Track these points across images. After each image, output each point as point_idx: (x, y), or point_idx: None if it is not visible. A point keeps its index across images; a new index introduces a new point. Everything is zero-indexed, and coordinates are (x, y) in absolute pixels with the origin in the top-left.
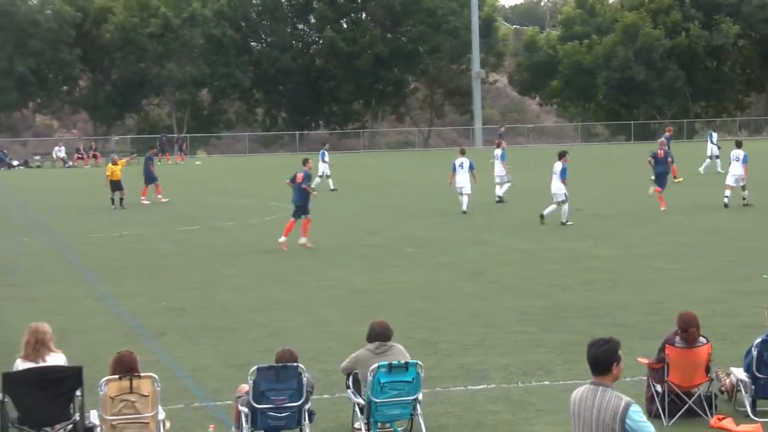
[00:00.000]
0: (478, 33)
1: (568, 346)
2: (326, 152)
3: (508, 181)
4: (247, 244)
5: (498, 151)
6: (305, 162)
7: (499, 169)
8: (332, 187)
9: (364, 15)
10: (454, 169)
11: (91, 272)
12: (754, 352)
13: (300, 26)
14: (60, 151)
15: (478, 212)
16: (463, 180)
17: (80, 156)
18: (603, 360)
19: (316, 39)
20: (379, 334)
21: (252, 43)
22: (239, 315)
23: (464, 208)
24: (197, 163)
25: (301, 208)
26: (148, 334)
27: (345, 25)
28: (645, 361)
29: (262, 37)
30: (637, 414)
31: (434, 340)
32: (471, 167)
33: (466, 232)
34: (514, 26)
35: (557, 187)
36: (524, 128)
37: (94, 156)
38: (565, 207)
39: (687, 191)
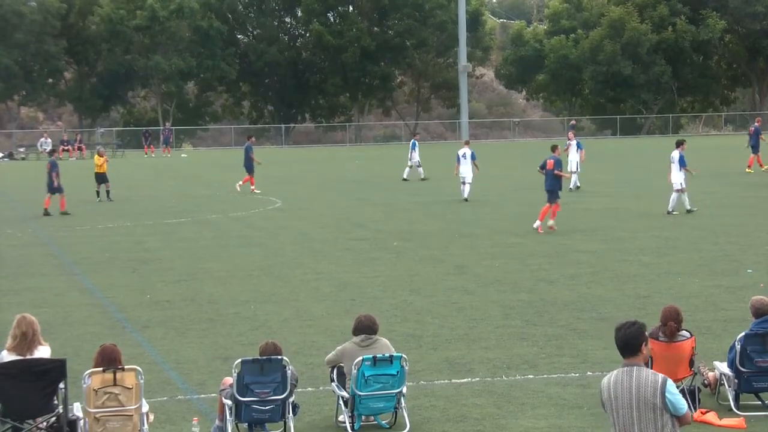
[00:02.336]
0: (465, 27)
1: (553, 340)
2: (417, 142)
3: (577, 172)
4: (232, 237)
5: (573, 142)
6: (554, 148)
7: (574, 157)
8: (422, 176)
9: (351, 8)
10: (458, 160)
11: (76, 265)
12: (738, 347)
13: (287, 19)
14: (46, 144)
15: (465, 205)
16: (465, 170)
17: (65, 148)
18: (633, 341)
19: (303, 32)
20: (366, 327)
21: (239, 36)
22: (224, 308)
23: (465, 195)
24: (183, 155)
25: (553, 194)
26: (133, 327)
27: (332, 19)
28: None
29: (249, 30)
30: (674, 387)
31: (419, 333)
32: (473, 157)
33: (453, 226)
34: (501, 20)
35: (677, 176)
36: (510, 122)
37: (79, 148)
38: (684, 195)
39: None
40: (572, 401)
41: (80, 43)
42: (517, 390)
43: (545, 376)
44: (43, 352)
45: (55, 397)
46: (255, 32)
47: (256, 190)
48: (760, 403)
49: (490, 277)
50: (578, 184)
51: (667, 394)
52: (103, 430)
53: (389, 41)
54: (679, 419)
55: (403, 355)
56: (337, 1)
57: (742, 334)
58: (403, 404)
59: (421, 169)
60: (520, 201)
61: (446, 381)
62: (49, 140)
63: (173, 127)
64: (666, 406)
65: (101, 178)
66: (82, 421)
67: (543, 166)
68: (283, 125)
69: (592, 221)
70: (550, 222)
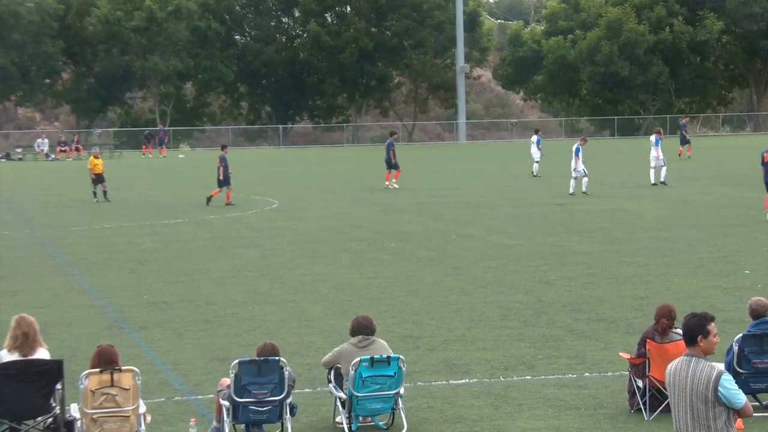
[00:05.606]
0: (462, 28)
1: (550, 341)
2: (540, 138)
3: (659, 166)
4: (230, 238)
5: (653, 138)
6: None
7: (654, 154)
8: (535, 173)
9: (348, 9)
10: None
11: (73, 265)
12: (735, 348)
13: (284, 19)
14: (43, 144)
15: (463, 206)
16: (573, 164)
17: (62, 149)
18: (689, 331)
19: (300, 32)
20: (364, 328)
21: (236, 37)
22: (222, 309)
23: (583, 189)
24: (180, 156)
25: None
26: (130, 328)
27: (329, 19)
28: (626, 356)
29: (246, 31)
30: (729, 382)
31: (416, 334)
32: (577, 153)
33: (450, 227)
34: (499, 21)
35: None
36: (508, 123)
37: (77, 149)
38: None
39: None
40: (570, 402)
41: (77, 44)
42: (514, 391)
43: (543, 377)
44: (42, 353)
45: (52, 398)
46: (252, 33)
47: (389, 186)
48: (757, 404)
49: (487, 278)
50: (659, 180)
51: (720, 389)
52: (101, 431)
53: (387, 42)
54: (738, 412)
55: (401, 356)
56: (335, 1)
57: (740, 335)
58: (400, 405)
59: (536, 166)
60: (518, 202)
61: (444, 382)
62: (46, 140)
63: (170, 128)
64: (719, 400)
65: (98, 178)
66: (79, 422)
67: (763, 162)
68: (280, 126)
69: (589, 222)
70: None
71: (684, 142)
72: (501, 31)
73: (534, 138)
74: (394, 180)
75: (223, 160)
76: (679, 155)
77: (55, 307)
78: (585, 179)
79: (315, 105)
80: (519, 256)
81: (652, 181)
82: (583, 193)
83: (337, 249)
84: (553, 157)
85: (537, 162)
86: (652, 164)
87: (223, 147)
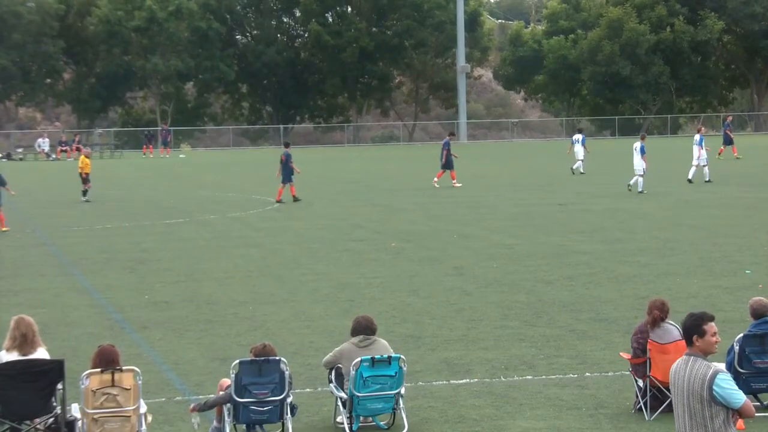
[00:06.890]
0: (463, 27)
1: (551, 341)
2: (585, 137)
3: (697, 165)
4: (231, 238)
5: (697, 137)
6: None
7: (698, 153)
8: (581, 171)
9: (349, 9)
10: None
11: (74, 265)
12: (736, 348)
13: (285, 19)
14: (44, 144)
15: (463, 206)
16: (637, 162)
17: (63, 149)
18: (685, 331)
19: (302, 32)
20: (365, 328)
21: (237, 37)
22: (223, 309)
23: (639, 189)
24: (181, 156)
25: None
26: (131, 328)
27: (330, 19)
28: (626, 356)
29: (247, 31)
30: (725, 381)
31: (417, 334)
32: (642, 151)
33: (451, 227)
34: (500, 21)
35: None
36: (509, 123)
37: (77, 149)
38: None
39: None
40: (570, 402)
41: (78, 44)
42: (515, 391)
43: (544, 377)
44: (41, 353)
45: (53, 398)
46: (253, 33)
47: (457, 184)
48: (758, 404)
49: (488, 278)
50: (704, 179)
51: (714, 387)
52: (101, 430)
53: (388, 41)
54: (738, 412)
55: (402, 356)
56: (336, 1)
57: (741, 335)
58: (401, 405)
59: (581, 164)
60: (518, 202)
61: (445, 382)
62: (47, 140)
63: (171, 128)
64: (714, 399)
65: (87, 178)
66: (80, 422)
67: None
68: (281, 126)
69: (590, 222)
70: None
71: (727, 141)
72: (502, 31)
73: (579, 137)
74: (437, 178)
75: (288, 158)
76: (719, 155)
77: (55, 307)
78: (640, 179)
79: (316, 105)
80: (520, 255)
81: (689, 178)
82: (639, 192)
83: (337, 249)
84: (555, 157)
85: (581, 160)
86: (697, 163)
87: (287, 144)
